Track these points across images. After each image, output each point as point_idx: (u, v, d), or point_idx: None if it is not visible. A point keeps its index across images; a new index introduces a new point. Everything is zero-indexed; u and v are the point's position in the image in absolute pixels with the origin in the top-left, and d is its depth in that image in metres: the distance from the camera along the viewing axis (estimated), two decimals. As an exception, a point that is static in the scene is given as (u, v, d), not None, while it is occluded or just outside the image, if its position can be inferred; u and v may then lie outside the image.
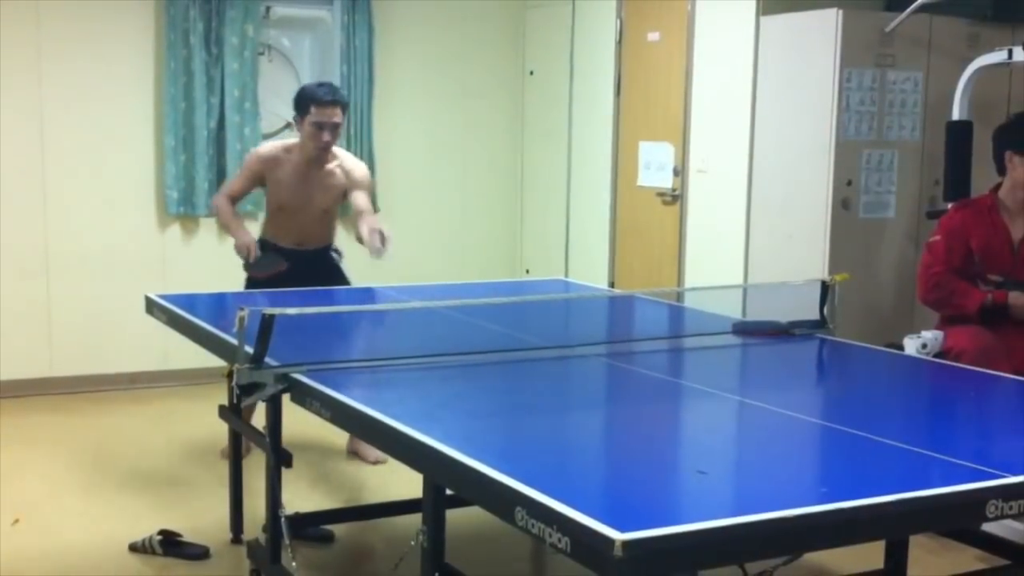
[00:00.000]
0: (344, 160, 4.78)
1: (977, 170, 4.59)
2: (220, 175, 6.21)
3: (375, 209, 5.11)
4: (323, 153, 4.60)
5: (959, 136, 4.61)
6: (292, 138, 4.85)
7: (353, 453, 4.92)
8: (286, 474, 3.17)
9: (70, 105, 5.93)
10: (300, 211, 4.70)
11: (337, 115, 4.56)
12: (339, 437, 4.88)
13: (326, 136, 4.54)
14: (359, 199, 4.64)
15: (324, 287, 4.54)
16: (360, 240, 4.42)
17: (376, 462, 4.73)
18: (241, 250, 4.58)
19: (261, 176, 4.67)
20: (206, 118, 6.11)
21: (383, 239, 4.24)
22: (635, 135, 6.06)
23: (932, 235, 4.32)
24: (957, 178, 4.59)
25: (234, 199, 4.74)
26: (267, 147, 4.81)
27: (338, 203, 4.80)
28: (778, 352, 3.40)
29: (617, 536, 1.67)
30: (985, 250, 4.16)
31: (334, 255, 4.89)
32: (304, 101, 4.58)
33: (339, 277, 4.82)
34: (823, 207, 4.80)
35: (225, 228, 4.75)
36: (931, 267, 4.20)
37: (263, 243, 4.74)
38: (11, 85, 5.80)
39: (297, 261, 4.70)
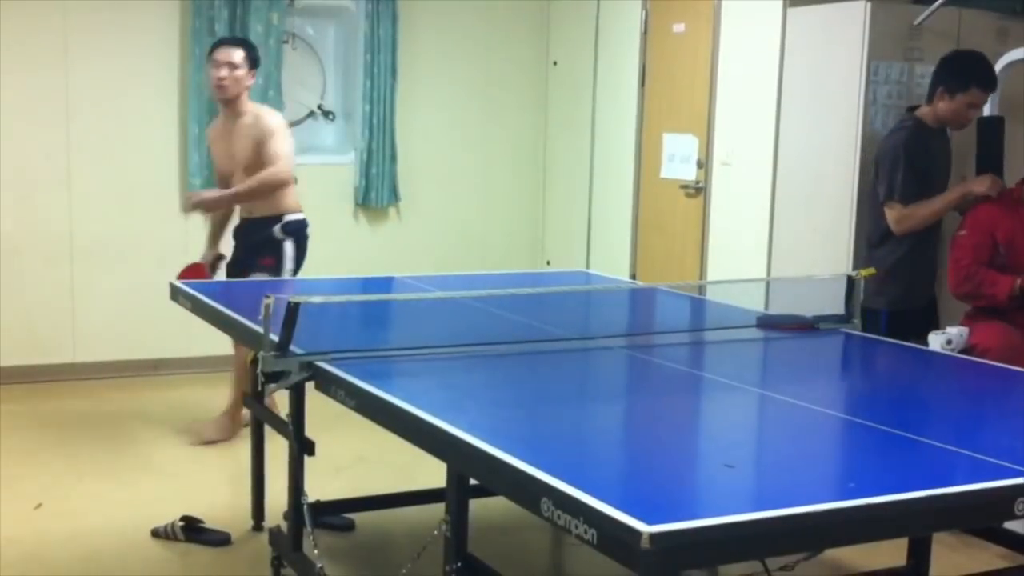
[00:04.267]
0: (259, 111, 4.87)
1: (1008, 165, 4.55)
2: (243, 163, 6.23)
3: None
4: (218, 92, 4.78)
5: (990, 131, 4.57)
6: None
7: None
8: (308, 461, 3.17)
9: (95, 92, 5.96)
10: (225, 169, 4.89)
11: (229, 55, 4.73)
12: (362, 425, 4.89)
13: (222, 72, 4.71)
14: (263, 152, 4.71)
15: (255, 266, 4.75)
16: None
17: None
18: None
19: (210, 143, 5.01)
20: (230, 106, 6.12)
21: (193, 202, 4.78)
22: (659, 127, 6.04)
23: (958, 229, 4.30)
24: (988, 174, 4.54)
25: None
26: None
27: (254, 153, 4.75)
28: (803, 346, 3.38)
29: (644, 529, 1.67)
30: (1010, 243, 4.13)
31: (275, 229, 4.81)
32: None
33: (272, 253, 4.81)
34: (848, 201, 4.76)
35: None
36: (960, 261, 4.19)
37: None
38: (37, 73, 5.83)
39: (243, 234, 4.96)
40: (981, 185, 4.28)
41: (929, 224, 4.36)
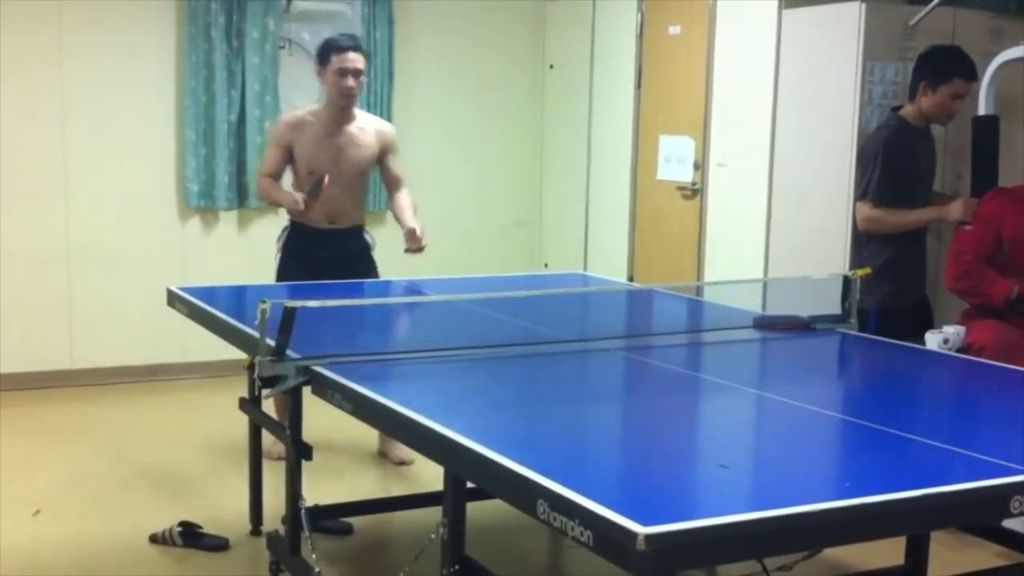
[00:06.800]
0: (373, 121, 4.79)
1: (1003, 164, 4.56)
2: (240, 169, 6.23)
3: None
4: (348, 101, 4.55)
5: (986, 131, 4.57)
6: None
7: (382, 454, 4.91)
8: (306, 466, 3.17)
9: (92, 98, 5.96)
10: (331, 173, 4.57)
11: (359, 61, 4.53)
12: (358, 429, 4.88)
13: (349, 81, 4.50)
14: (393, 167, 4.74)
15: (356, 275, 4.57)
16: (402, 225, 4.60)
17: (400, 463, 4.73)
18: (293, 205, 4.48)
19: (289, 144, 4.59)
20: (227, 111, 6.13)
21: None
22: (655, 129, 6.05)
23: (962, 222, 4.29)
24: (984, 173, 4.56)
25: (275, 177, 4.65)
26: (290, 112, 4.77)
27: (371, 166, 4.73)
28: (799, 347, 3.38)
29: (640, 530, 1.67)
30: (1015, 240, 4.12)
31: (367, 238, 4.82)
32: (326, 51, 4.56)
33: (371, 264, 4.78)
34: (844, 201, 4.76)
35: (273, 202, 4.70)
36: (962, 255, 4.18)
37: (293, 227, 4.67)
38: (33, 78, 5.83)
39: (331, 244, 4.64)
40: (956, 212, 4.29)
41: (895, 232, 4.37)
